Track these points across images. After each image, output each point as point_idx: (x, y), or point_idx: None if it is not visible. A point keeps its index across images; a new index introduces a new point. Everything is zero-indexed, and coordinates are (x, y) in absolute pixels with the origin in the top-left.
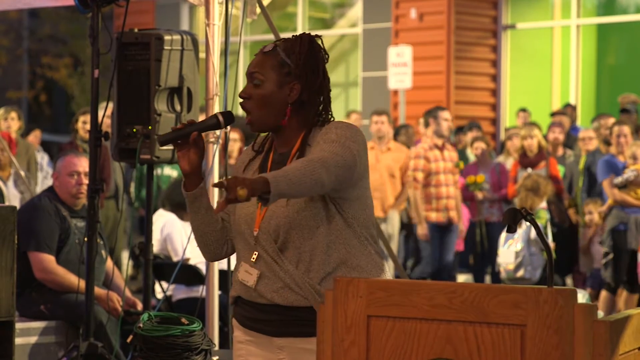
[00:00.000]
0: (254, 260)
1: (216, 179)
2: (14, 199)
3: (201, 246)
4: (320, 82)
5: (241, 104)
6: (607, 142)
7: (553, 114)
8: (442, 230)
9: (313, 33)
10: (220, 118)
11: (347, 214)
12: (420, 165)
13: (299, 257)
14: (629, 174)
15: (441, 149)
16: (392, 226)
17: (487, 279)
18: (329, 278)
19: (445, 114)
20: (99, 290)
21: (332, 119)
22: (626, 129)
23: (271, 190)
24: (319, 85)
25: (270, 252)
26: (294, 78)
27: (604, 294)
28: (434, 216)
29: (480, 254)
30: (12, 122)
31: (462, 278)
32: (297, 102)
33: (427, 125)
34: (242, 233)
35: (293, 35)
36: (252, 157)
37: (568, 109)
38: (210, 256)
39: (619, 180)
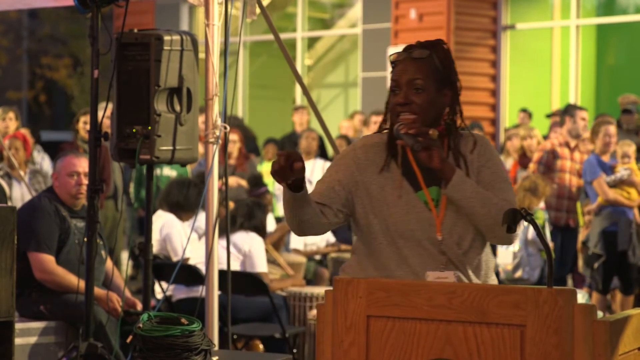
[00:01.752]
0: (444, 265)
1: (216, 180)
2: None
3: (299, 226)
4: (460, 88)
5: (400, 110)
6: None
7: (550, 115)
8: (561, 232)
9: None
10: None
11: None
12: (544, 159)
13: (477, 264)
14: (622, 172)
15: (572, 149)
16: None
17: None
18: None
19: (583, 114)
20: (98, 291)
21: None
22: (612, 129)
23: (452, 179)
24: (459, 91)
25: (454, 259)
26: (446, 85)
27: (595, 295)
28: (552, 215)
29: None
30: (10, 122)
31: None
32: (447, 107)
33: (562, 123)
34: (417, 239)
35: (428, 41)
36: (386, 161)
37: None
38: (303, 234)
39: (611, 179)
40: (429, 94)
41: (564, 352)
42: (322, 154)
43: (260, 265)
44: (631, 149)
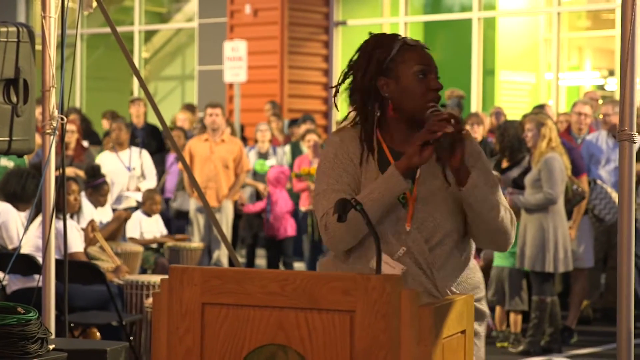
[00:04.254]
0: (401, 254)
1: (52, 171)
2: None
3: (349, 241)
4: None
5: (432, 96)
6: None
7: None
8: None
9: None
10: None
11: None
12: None
13: (443, 262)
14: None
15: None
16: (227, 215)
17: None
18: (458, 286)
19: None
20: None
21: None
22: None
23: (468, 182)
24: None
25: (418, 253)
26: None
27: None
28: None
29: (311, 242)
30: None
31: (296, 266)
32: None
33: None
34: (381, 232)
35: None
36: (362, 155)
37: None
38: (344, 248)
39: None
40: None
41: (391, 335)
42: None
43: (13, 239)
44: None
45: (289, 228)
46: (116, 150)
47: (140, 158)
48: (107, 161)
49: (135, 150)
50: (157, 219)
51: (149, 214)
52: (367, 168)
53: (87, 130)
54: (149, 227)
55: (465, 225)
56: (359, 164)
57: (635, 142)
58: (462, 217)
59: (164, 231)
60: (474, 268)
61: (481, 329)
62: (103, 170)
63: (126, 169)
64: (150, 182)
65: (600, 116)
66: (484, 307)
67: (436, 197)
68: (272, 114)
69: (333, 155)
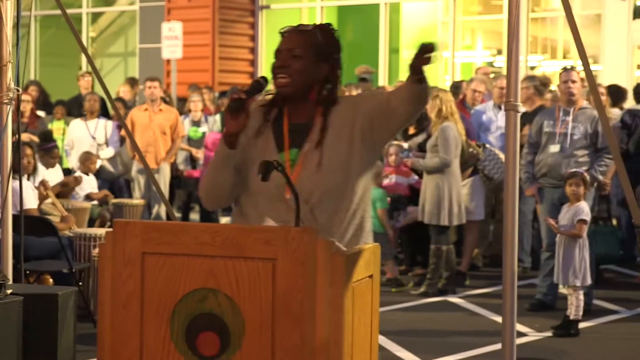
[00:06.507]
0: (287, 220)
1: (9, 136)
2: None
3: (211, 197)
4: (340, 67)
5: (277, 72)
6: None
7: None
8: None
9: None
10: (262, 80)
11: (367, 182)
12: None
13: (326, 220)
14: None
15: None
16: (164, 176)
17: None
18: (349, 242)
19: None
20: None
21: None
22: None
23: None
24: (339, 69)
25: (302, 215)
26: (324, 59)
27: None
28: None
29: None
30: None
31: None
32: (323, 80)
33: None
34: (271, 194)
35: (319, 24)
36: (262, 124)
37: None
38: (214, 206)
39: None
40: (305, 63)
41: (308, 280)
42: (104, 113)
43: None
44: None
45: None
46: (86, 118)
47: (105, 128)
48: (75, 128)
49: (102, 121)
50: (92, 178)
51: (86, 172)
52: (264, 135)
53: (44, 101)
54: (88, 185)
55: (356, 185)
56: (253, 135)
57: (519, 112)
58: (347, 176)
59: (96, 189)
60: (368, 232)
61: None
62: (71, 137)
63: (90, 137)
64: (110, 151)
65: (496, 90)
66: None
67: (313, 160)
68: (200, 92)
69: None
